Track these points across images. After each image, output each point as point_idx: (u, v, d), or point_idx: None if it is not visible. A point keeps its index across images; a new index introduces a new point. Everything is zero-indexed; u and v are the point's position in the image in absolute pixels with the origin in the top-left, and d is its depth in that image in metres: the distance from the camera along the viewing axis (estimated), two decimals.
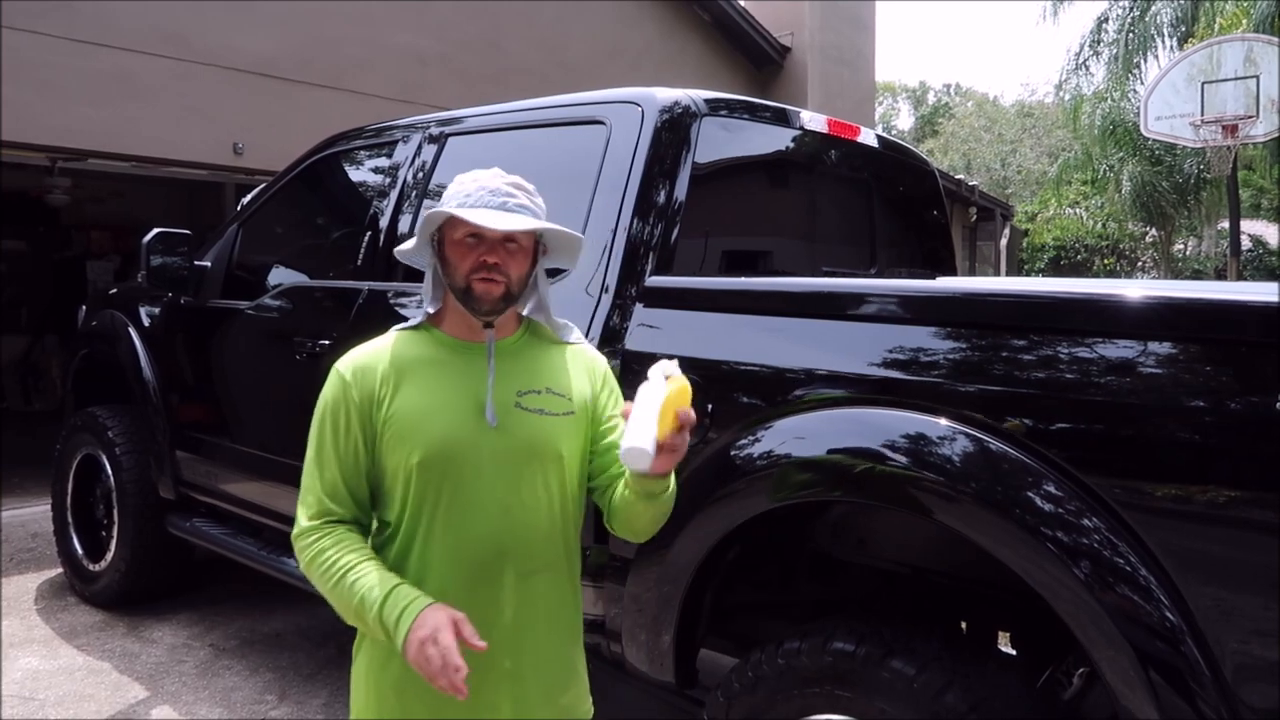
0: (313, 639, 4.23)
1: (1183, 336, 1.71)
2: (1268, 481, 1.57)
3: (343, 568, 1.64)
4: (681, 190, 2.68)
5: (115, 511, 4.45)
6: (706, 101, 2.83)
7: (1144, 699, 1.65)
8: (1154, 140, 12.58)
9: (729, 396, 2.30)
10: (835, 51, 12.30)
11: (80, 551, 4.72)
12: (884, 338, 2.08)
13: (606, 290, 2.56)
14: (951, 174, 17.49)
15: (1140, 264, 21.33)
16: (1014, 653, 2.74)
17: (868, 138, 3.47)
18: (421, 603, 1.59)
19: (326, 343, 3.27)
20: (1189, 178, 16.74)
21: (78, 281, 10.41)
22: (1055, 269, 21.19)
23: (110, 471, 4.46)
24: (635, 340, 2.49)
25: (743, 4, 11.42)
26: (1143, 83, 15.18)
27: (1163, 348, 1.72)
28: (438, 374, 1.74)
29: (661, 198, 2.65)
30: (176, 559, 4.55)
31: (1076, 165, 20.15)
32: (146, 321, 4.40)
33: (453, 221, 1.72)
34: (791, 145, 3.25)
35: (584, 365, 1.89)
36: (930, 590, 2.57)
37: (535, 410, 1.76)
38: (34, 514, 5.74)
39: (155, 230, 4.02)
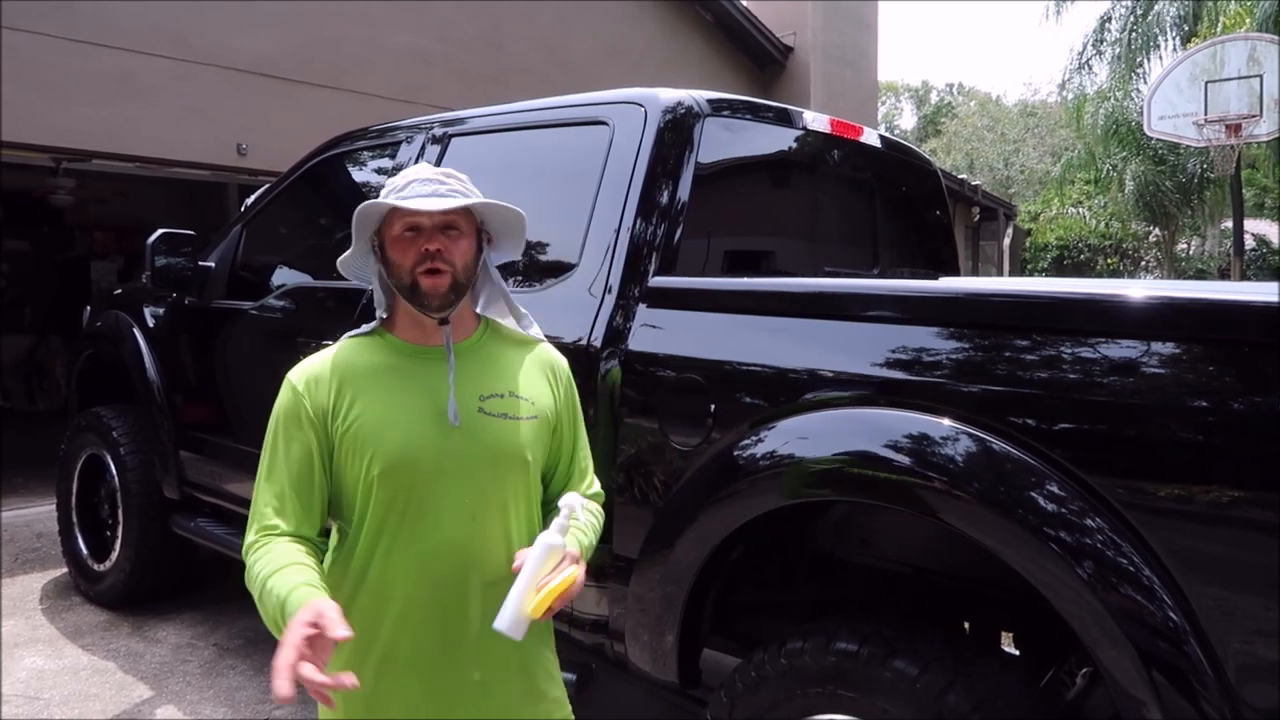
0: None
1: (1185, 336, 1.71)
2: (1270, 481, 1.57)
3: (265, 574, 1.56)
4: (684, 191, 2.68)
5: (120, 511, 4.47)
6: (709, 102, 2.83)
7: (1147, 699, 1.65)
8: (1157, 139, 12.56)
9: (732, 397, 2.30)
10: (838, 51, 12.30)
11: (85, 551, 4.73)
12: (887, 338, 2.08)
13: (610, 291, 2.57)
14: (954, 173, 17.49)
15: (1143, 264, 21.32)
16: (1016, 653, 2.74)
17: (870, 138, 3.47)
18: (306, 595, 1.50)
19: (330, 343, 3.27)
20: (1192, 177, 16.73)
21: (81, 282, 10.43)
22: (1058, 269, 21.17)
23: (115, 471, 4.48)
24: (638, 341, 2.49)
25: (745, 4, 11.42)
26: (1146, 82, 15.16)
27: (1165, 348, 1.72)
28: (394, 381, 1.70)
29: (664, 198, 2.65)
30: (181, 559, 4.56)
31: (1079, 165, 20.12)
32: (151, 322, 4.41)
33: (389, 219, 1.69)
34: (794, 145, 3.25)
35: (546, 368, 1.85)
36: (933, 590, 2.57)
37: (499, 415, 1.72)
38: (39, 514, 5.75)
39: (160, 231, 4.03)
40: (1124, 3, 16.78)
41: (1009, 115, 34.48)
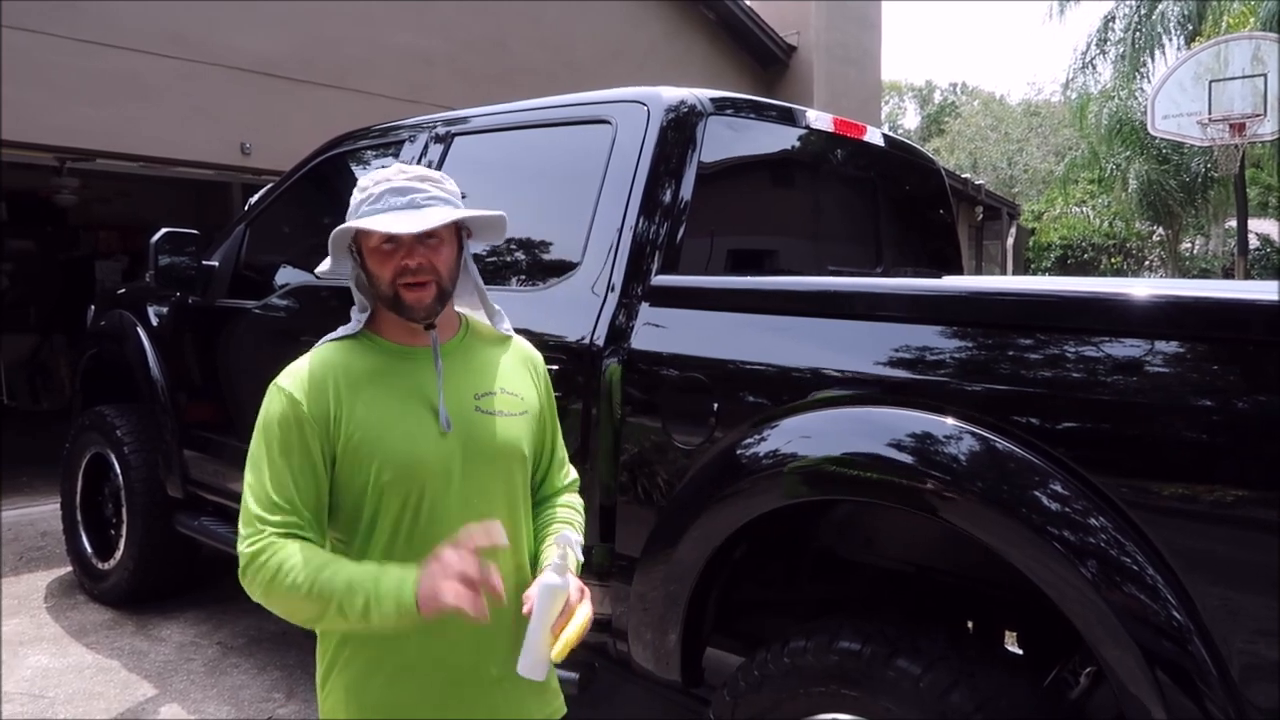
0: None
1: (1188, 336, 1.70)
2: (1274, 480, 1.57)
3: (317, 567, 1.53)
4: (687, 189, 2.68)
5: (124, 510, 4.47)
6: (712, 100, 2.83)
7: (1151, 698, 1.64)
8: (1161, 139, 12.54)
9: (735, 395, 2.30)
10: (841, 50, 12.29)
11: (89, 550, 4.74)
12: (890, 337, 2.08)
13: (612, 289, 2.57)
14: (958, 173, 17.47)
15: (1147, 263, 21.28)
16: (1020, 652, 2.74)
17: (874, 136, 3.46)
18: (415, 569, 1.52)
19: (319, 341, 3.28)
20: (1196, 176, 16.71)
21: (86, 281, 10.44)
22: (1062, 268, 21.14)
23: (119, 470, 4.48)
24: (641, 340, 2.49)
25: (748, 3, 11.41)
26: (1150, 81, 15.14)
27: (1169, 347, 1.72)
28: (389, 384, 1.66)
29: (667, 197, 2.65)
30: (184, 557, 4.57)
31: (1083, 164, 20.12)
32: (154, 321, 4.42)
33: (361, 232, 1.63)
34: (797, 144, 3.25)
35: (527, 364, 1.85)
36: (936, 589, 2.57)
37: (494, 412, 1.71)
38: (43, 512, 5.76)
39: (163, 230, 4.04)
40: (1128, 2, 16.78)
41: (1012, 114, 34.45)
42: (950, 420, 1.91)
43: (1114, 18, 17.05)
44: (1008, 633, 2.83)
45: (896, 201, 3.75)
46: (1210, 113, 10.06)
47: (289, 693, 3.75)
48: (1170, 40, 15.73)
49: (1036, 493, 1.77)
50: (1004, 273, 17.82)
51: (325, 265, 1.72)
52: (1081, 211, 22.86)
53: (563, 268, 2.73)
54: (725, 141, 2.88)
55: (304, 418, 1.60)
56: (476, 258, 1.83)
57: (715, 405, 2.30)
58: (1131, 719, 1.68)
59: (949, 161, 28.86)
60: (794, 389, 2.18)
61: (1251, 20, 12.68)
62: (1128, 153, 17.19)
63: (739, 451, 2.22)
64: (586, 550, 1.96)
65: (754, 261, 3.16)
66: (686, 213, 2.67)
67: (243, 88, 7.24)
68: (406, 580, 1.49)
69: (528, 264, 2.88)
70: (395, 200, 1.62)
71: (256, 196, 4.32)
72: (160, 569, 4.50)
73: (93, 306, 5.19)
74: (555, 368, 1.94)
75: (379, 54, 8.03)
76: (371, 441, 1.61)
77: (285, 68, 7.47)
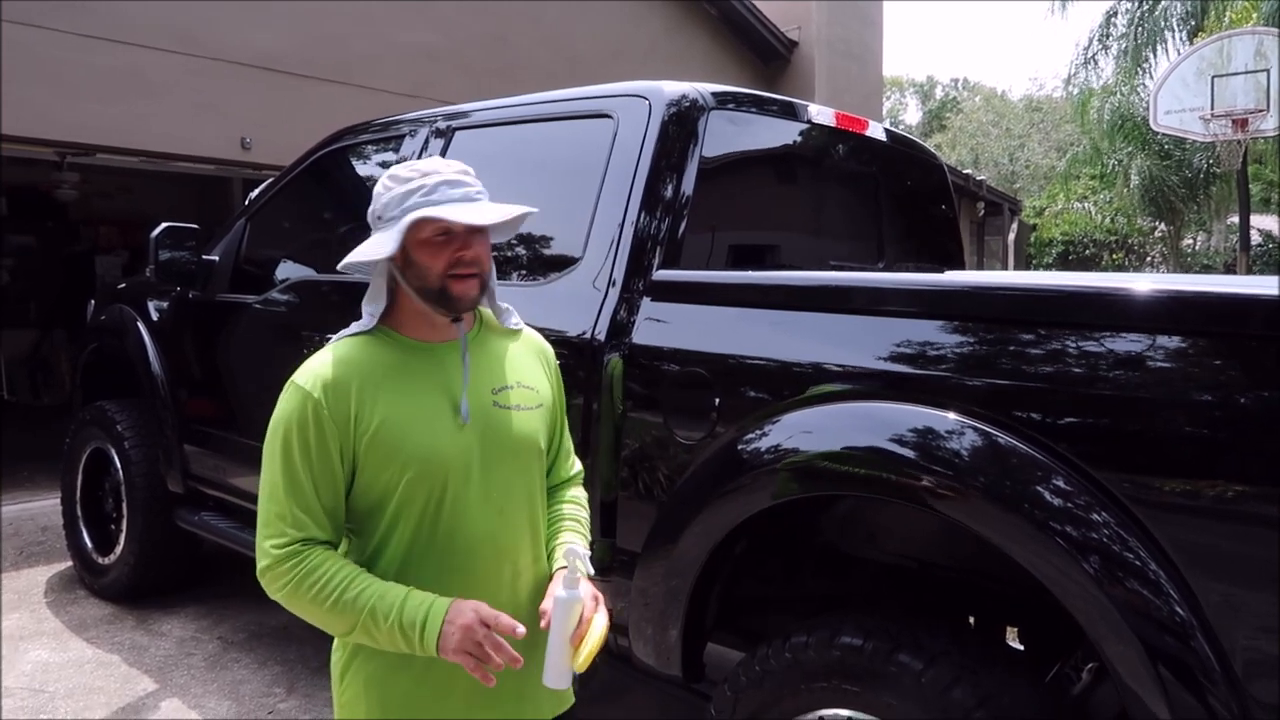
0: (319, 633, 4.18)
1: (1190, 330, 1.70)
2: (1276, 475, 1.56)
3: (341, 583, 1.55)
4: (689, 184, 2.67)
5: (124, 505, 4.47)
6: (714, 95, 2.82)
7: (1153, 694, 1.64)
8: (1163, 134, 12.52)
9: (736, 390, 2.29)
10: (842, 46, 12.27)
11: (90, 545, 4.74)
12: (892, 332, 2.07)
13: (614, 284, 2.56)
14: (959, 169, 17.44)
15: (1149, 259, 21.26)
16: (1021, 648, 2.74)
17: (876, 131, 3.45)
18: (445, 601, 1.56)
19: (333, 337, 3.27)
20: (1198, 172, 16.68)
21: (86, 276, 10.43)
22: (1063, 264, 21.12)
23: (119, 465, 4.48)
24: (642, 334, 2.49)
25: None
26: (1152, 77, 15.11)
27: (1170, 342, 1.71)
28: (409, 380, 1.66)
29: (669, 191, 2.65)
30: (185, 553, 4.56)
31: (1085, 160, 20.08)
32: (155, 316, 4.42)
33: (418, 222, 1.61)
34: (799, 139, 3.24)
35: (539, 355, 1.86)
36: (937, 585, 2.57)
37: (512, 407, 1.73)
38: (43, 508, 5.76)
39: (163, 225, 4.04)
40: None
41: (1014, 110, 34.43)
42: (952, 415, 1.91)
43: (1116, 13, 17.00)
44: (1009, 629, 2.82)
45: (899, 197, 3.74)
46: (1213, 108, 10.04)
47: (289, 688, 3.75)
48: (1173, 35, 15.69)
49: (1039, 488, 1.77)
50: (1005, 269, 17.82)
51: (363, 254, 1.67)
52: (1083, 207, 22.84)
53: (564, 262, 2.72)
54: (727, 136, 2.87)
55: (324, 417, 1.59)
56: None
57: (716, 400, 2.30)
58: (1134, 715, 1.68)
59: (950, 157, 28.83)
60: (795, 384, 2.17)
61: (1254, 15, 12.64)
62: (1130, 148, 17.15)
63: (740, 447, 2.22)
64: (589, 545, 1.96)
65: (755, 256, 3.16)
66: (688, 207, 2.67)
67: (244, 83, 7.23)
68: (432, 620, 1.54)
69: (529, 259, 2.88)
70: (451, 192, 1.63)
71: (256, 191, 4.31)
72: (161, 564, 4.50)
73: (93, 301, 5.18)
74: (558, 363, 1.94)
75: (381, 49, 8.02)
76: (395, 438, 1.61)
77: (287, 63, 7.46)
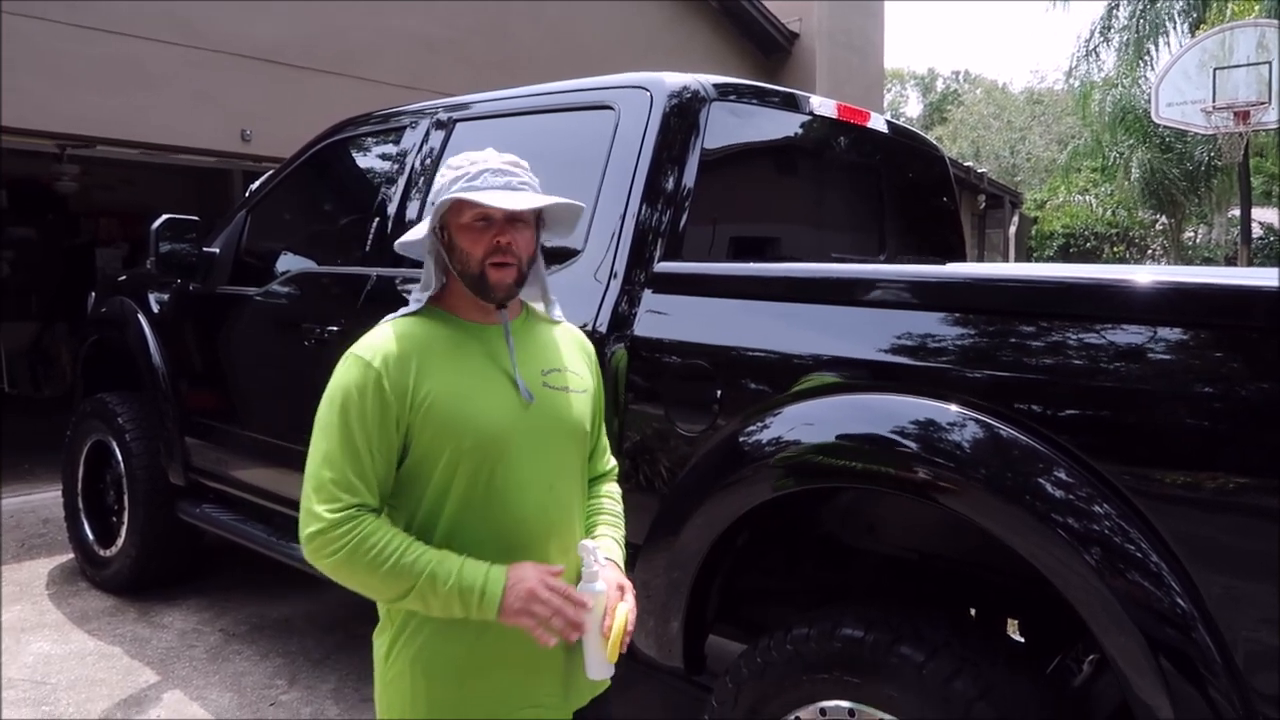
0: (321, 625, 4.25)
1: (1191, 322, 1.70)
2: (1277, 467, 1.56)
3: (397, 549, 1.59)
4: (690, 176, 2.67)
5: (125, 498, 4.48)
6: (715, 86, 2.81)
7: (1154, 686, 1.64)
8: (1164, 127, 12.50)
9: (737, 382, 2.29)
10: (844, 37, 12.25)
11: (91, 537, 4.75)
12: (894, 324, 2.07)
13: (615, 276, 2.56)
14: (960, 161, 17.41)
15: (1150, 251, 21.25)
16: (1021, 640, 2.74)
17: (877, 123, 3.45)
18: (503, 566, 1.61)
19: (334, 329, 3.28)
20: (1199, 165, 16.67)
21: (87, 268, 10.43)
22: (1064, 256, 21.11)
23: (120, 458, 4.48)
24: (643, 326, 2.49)
25: None
26: (1153, 69, 15.08)
27: (1171, 333, 1.71)
28: (463, 357, 1.72)
29: (670, 183, 2.64)
30: (186, 545, 4.57)
31: (1086, 152, 20.07)
32: (155, 308, 4.42)
33: (458, 206, 1.68)
34: (801, 130, 3.23)
35: (581, 348, 1.92)
36: (938, 577, 2.57)
37: (560, 388, 1.78)
38: (45, 500, 5.77)
39: (164, 216, 4.03)
40: None
41: (1015, 103, 34.38)
42: (954, 407, 1.90)
43: (1118, 5, 16.95)
44: (1010, 621, 2.83)
45: (900, 188, 3.73)
46: (1214, 100, 10.02)
47: (291, 679, 3.75)
48: (1174, 28, 15.64)
49: (1040, 480, 1.77)
50: (1007, 262, 17.81)
51: (410, 235, 1.76)
52: (1084, 200, 22.83)
53: (565, 254, 2.72)
54: (728, 127, 2.86)
55: (384, 387, 1.64)
56: None
57: (718, 392, 2.30)
58: (1134, 707, 1.68)
59: (952, 150, 28.80)
60: (797, 376, 2.17)
61: (1256, 7, 12.62)
62: (1131, 141, 17.14)
63: (742, 439, 2.22)
64: None
65: (757, 248, 3.15)
66: (689, 199, 2.66)
67: (245, 74, 7.22)
68: (493, 582, 1.58)
69: None
70: (494, 180, 1.68)
71: (257, 183, 4.31)
72: (162, 556, 4.50)
73: (93, 294, 5.18)
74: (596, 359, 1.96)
75: (381, 41, 8.00)
76: (451, 411, 1.66)
77: (287, 54, 7.44)
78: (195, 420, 4.17)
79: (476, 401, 1.68)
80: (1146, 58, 16.12)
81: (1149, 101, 11.54)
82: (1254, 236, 16.43)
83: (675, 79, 2.74)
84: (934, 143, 3.98)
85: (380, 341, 1.69)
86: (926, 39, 77.05)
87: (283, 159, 4.25)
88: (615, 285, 2.55)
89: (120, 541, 4.53)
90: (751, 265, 2.62)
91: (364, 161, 3.77)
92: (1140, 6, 16.08)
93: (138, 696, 3.62)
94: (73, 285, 9.58)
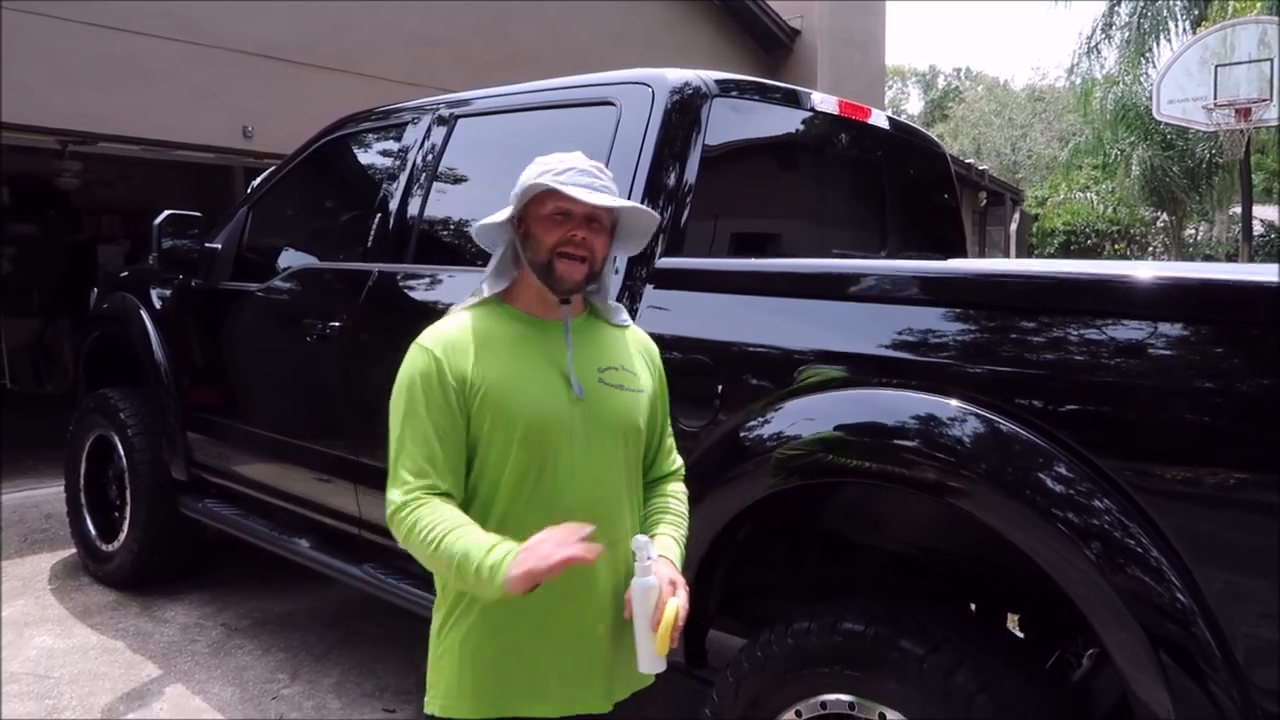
0: (323, 620, 4.26)
1: (1191, 318, 1.70)
2: (1278, 463, 1.57)
3: (441, 531, 1.62)
4: (691, 172, 2.67)
5: (128, 493, 4.48)
6: (717, 82, 2.81)
7: (1154, 680, 1.65)
8: (1166, 124, 12.49)
9: (738, 378, 2.30)
10: (845, 34, 12.22)
11: (93, 532, 4.76)
12: (894, 319, 2.08)
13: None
14: (961, 158, 17.40)
15: (1151, 249, 21.23)
16: (1021, 635, 2.75)
17: (879, 119, 3.45)
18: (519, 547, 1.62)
19: (336, 324, 3.28)
20: (1201, 162, 16.65)
21: (88, 265, 10.43)
22: (1065, 254, 21.09)
23: (123, 453, 4.49)
24: (645, 322, 2.48)
25: None
26: (1155, 66, 15.06)
27: (1172, 329, 1.71)
28: (523, 349, 1.77)
29: (671, 179, 2.65)
30: (189, 539, 4.57)
31: (1087, 150, 20.04)
32: (157, 304, 4.42)
33: (540, 198, 1.74)
34: (802, 127, 3.24)
35: (643, 351, 1.95)
36: (939, 572, 2.57)
37: (616, 386, 1.82)
38: (47, 495, 5.77)
39: (166, 212, 4.04)
40: None
41: (1016, 100, 34.35)
42: (954, 402, 1.91)
43: (1119, 2, 16.93)
44: (1010, 615, 2.83)
45: (901, 185, 3.73)
46: (1216, 97, 10.01)
47: (293, 674, 3.76)
48: (1176, 25, 15.62)
49: (1040, 475, 1.77)
50: (1007, 258, 17.79)
51: (494, 219, 1.79)
52: (1085, 197, 22.81)
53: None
54: (730, 124, 2.86)
55: (445, 373, 1.70)
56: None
57: (719, 387, 2.30)
58: (1134, 702, 1.69)
59: (953, 147, 28.77)
60: (798, 371, 2.18)
61: (1258, 5, 12.60)
62: (1132, 138, 17.12)
63: (743, 434, 2.22)
64: None
65: (758, 244, 3.16)
66: (691, 195, 2.67)
67: (246, 71, 7.21)
68: (506, 558, 1.57)
69: None
70: (579, 179, 1.73)
71: (259, 179, 4.31)
72: (164, 551, 4.51)
73: (95, 290, 5.18)
74: (661, 362, 1.98)
75: (382, 38, 8.00)
76: (507, 400, 1.71)
77: (288, 51, 7.44)
78: (197, 415, 4.18)
79: (528, 391, 1.73)
80: (1148, 55, 16.10)
81: (1150, 98, 11.54)
82: (1255, 234, 16.40)
83: (677, 75, 2.75)
84: (935, 139, 3.98)
85: (443, 330, 1.77)
86: (928, 36, 76.98)
87: (284, 155, 4.25)
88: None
89: (122, 536, 4.53)
90: (753, 261, 2.63)
91: (366, 157, 3.78)
92: (1142, 4, 16.06)
93: (140, 691, 3.63)
94: (75, 281, 9.58)
